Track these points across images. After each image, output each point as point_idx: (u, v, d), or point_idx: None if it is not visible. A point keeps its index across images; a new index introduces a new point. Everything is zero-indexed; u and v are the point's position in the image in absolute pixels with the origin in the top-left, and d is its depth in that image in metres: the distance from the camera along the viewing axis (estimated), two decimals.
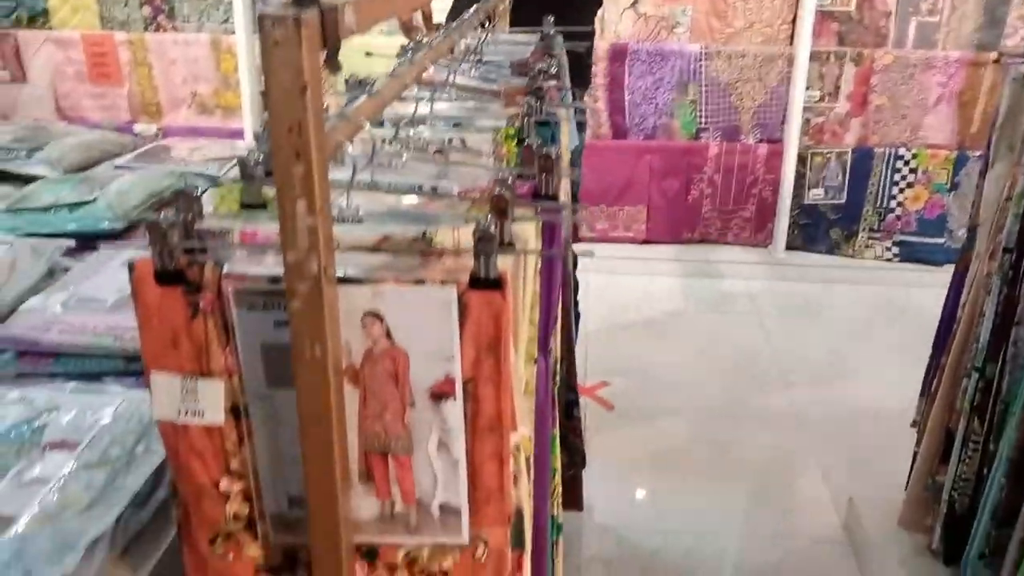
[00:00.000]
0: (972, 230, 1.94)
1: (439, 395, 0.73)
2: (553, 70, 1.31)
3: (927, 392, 2.07)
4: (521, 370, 0.84)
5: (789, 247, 3.89)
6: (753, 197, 3.88)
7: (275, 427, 0.76)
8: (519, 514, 0.85)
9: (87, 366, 1.19)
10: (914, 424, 2.13)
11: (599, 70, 3.75)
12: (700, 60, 3.71)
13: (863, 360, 3.12)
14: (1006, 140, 1.74)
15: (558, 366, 1.91)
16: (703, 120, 3.83)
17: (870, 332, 3.36)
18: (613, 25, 3.75)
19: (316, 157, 0.61)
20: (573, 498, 2.05)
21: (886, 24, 3.62)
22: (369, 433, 0.75)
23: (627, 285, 3.75)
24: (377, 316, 0.70)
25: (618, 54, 3.74)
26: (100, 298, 1.30)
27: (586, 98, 2.21)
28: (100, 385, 1.14)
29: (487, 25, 1.79)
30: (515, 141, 1.07)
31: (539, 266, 0.87)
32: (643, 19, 3.73)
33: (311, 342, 0.66)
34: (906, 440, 2.11)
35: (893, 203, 3.73)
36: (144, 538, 0.97)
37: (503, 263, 0.71)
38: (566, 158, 1.29)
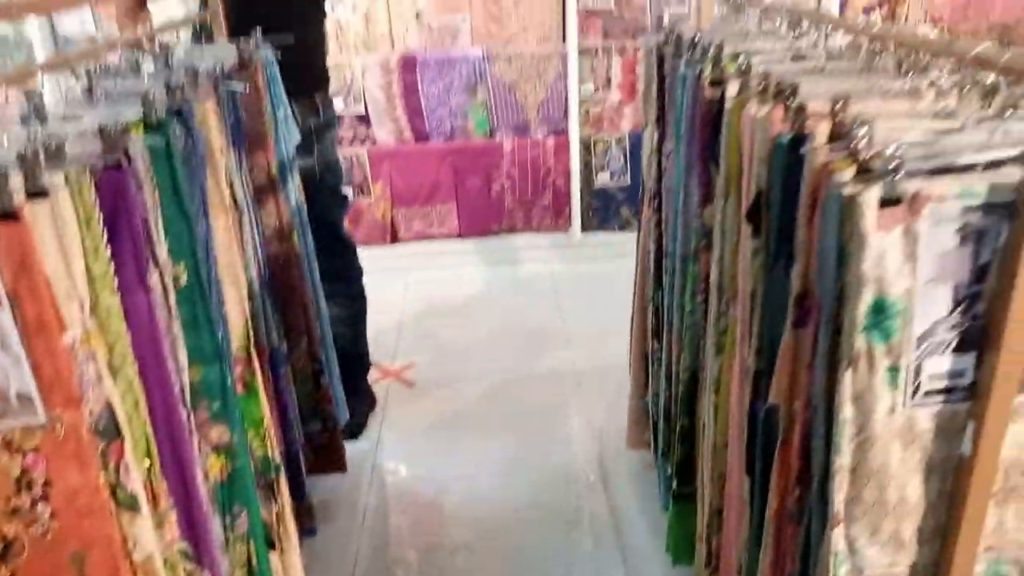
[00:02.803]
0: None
1: None
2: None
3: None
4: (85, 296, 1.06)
5: (586, 229, 4.23)
6: (549, 187, 4.22)
7: None
8: (110, 407, 1.08)
9: None
10: None
11: (395, 79, 4.03)
12: (484, 63, 4.03)
13: None
14: (649, 103, 2.08)
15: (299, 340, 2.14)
16: (494, 120, 4.15)
17: None
18: (401, 37, 4.04)
19: None
20: (333, 461, 2.25)
21: (643, 17, 4.01)
22: None
23: (441, 277, 4.04)
24: None
25: (409, 63, 4.02)
26: None
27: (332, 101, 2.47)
28: None
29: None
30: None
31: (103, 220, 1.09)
32: (427, 29, 4.03)
33: None
34: None
35: None
36: None
37: (37, 208, 0.95)
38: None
